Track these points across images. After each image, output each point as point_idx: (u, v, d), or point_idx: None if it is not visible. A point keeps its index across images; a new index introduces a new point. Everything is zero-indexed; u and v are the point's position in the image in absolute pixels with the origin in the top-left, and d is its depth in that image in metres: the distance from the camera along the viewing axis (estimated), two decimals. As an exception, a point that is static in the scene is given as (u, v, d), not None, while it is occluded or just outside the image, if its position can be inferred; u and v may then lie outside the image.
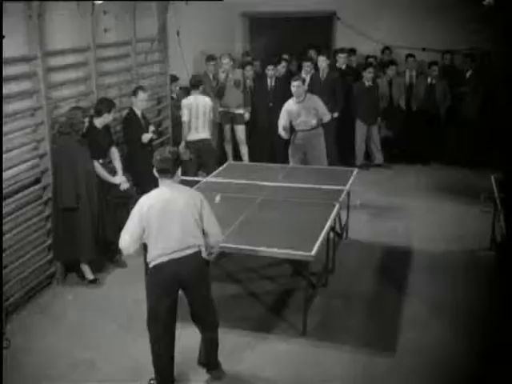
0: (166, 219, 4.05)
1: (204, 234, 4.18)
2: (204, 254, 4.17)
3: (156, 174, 4.16)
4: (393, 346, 4.85)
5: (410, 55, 10.26)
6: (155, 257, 4.09)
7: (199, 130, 7.92)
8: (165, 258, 4.07)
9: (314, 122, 7.70)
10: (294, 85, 7.57)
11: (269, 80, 9.72)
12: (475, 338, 4.96)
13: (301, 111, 7.65)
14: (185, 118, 7.85)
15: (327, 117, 7.87)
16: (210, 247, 4.27)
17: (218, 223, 4.26)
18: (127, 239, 4.06)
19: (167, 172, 4.11)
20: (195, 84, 7.96)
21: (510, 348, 4.61)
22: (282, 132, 7.71)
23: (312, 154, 7.86)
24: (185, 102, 7.89)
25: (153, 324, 4.17)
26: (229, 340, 4.79)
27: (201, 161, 8.14)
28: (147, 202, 4.10)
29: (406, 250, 6.71)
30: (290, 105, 7.73)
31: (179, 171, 4.21)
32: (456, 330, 5.09)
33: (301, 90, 7.60)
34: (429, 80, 9.90)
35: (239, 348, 4.81)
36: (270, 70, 9.68)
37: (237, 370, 4.54)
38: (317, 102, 7.71)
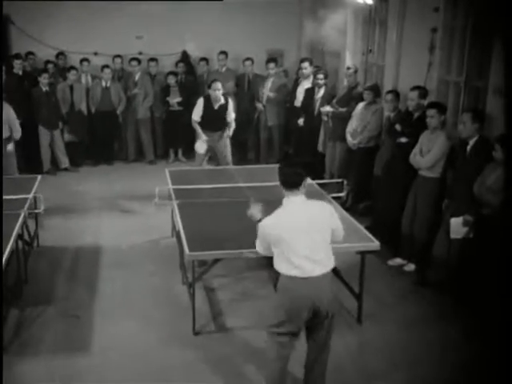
0: None
1: None
2: None
3: None
4: (89, 345, 5.12)
5: (84, 59, 10.60)
6: None
7: None
8: None
9: None
10: None
11: None
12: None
13: None
14: None
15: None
16: None
17: None
18: None
19: None
20: None
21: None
22: None
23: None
24: None
25: None
26: None
27: None
28: None
29: (97, 250, 7.09)
30: None
31: None
32: (143, 318, 5.59)
33: None
34: (103, 83, 10.35)
35: None
36: None
37: None
38: None
